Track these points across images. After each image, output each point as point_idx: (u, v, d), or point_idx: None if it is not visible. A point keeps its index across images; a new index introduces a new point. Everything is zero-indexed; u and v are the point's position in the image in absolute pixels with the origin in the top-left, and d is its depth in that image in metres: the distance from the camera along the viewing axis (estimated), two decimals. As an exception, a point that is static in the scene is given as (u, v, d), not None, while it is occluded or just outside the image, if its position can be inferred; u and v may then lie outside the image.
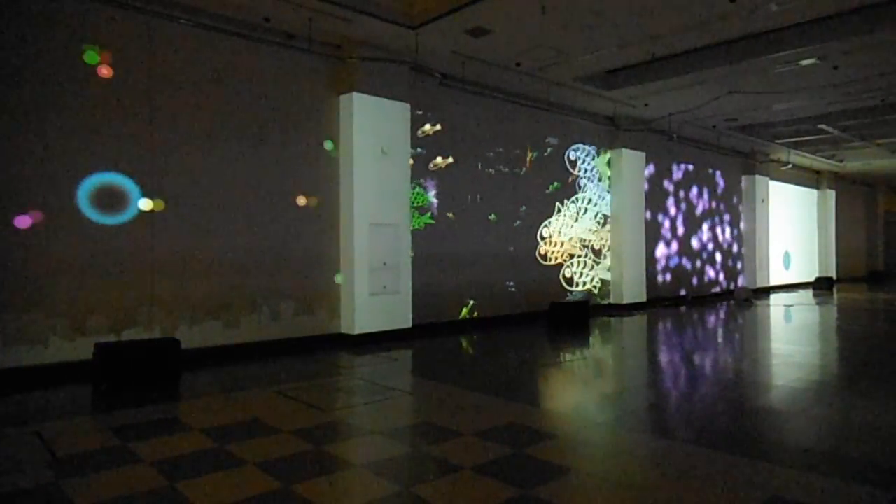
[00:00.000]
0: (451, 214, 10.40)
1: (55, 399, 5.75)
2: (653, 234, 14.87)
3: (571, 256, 12.72)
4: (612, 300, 13.72)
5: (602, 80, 11.28)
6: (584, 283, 13.01)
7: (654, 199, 14.99)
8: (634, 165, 13.94)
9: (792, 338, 9.94)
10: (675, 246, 15.78)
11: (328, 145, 8.72)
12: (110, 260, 6.84)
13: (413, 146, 9.64)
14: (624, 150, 13.63)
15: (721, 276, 17.73)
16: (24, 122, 6.32)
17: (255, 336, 7.97)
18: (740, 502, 3.34)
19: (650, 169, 14.72)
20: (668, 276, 15.55)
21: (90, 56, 6.71)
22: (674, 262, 15.75)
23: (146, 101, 7.11)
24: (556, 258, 12.37)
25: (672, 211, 15.67)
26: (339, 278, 8.78)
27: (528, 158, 11.77)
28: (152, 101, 7.16)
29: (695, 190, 16.55)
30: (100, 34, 6.77)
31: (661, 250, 15.27)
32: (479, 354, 8.54)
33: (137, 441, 4.39)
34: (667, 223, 15.48)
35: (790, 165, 19.85)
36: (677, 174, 15.86)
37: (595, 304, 13.13)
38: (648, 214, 14.64)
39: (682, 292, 16.00)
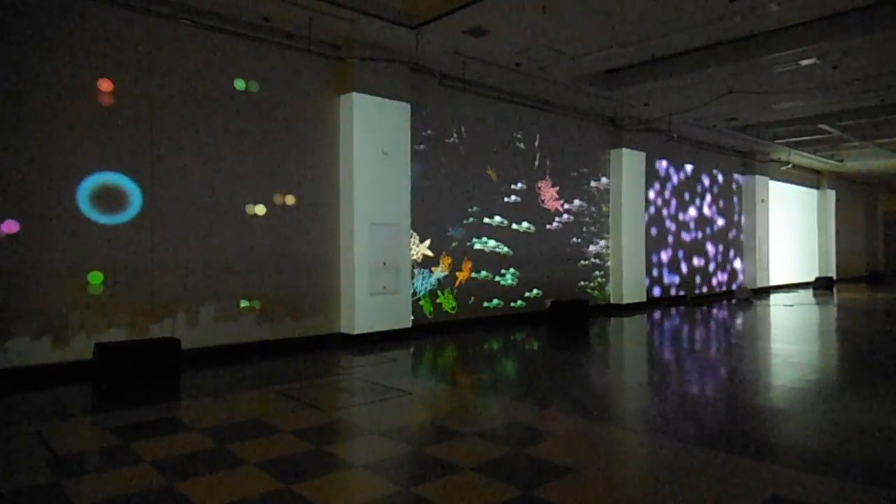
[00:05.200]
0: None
1: (55, 399, 5.75)
2: (652, 234, 14.87)
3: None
4: (612, 300, 13.72)
5: (602, 80, 11.28)
6: None
7: (654, 198, 14.98)
8: (634, 165, 13.93)
9: (792, 338, 9.94)
10: (674, 246, 15.78)
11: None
12: (111, 261, 6.84)
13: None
14: (624, 150, 13.62)
15: (721, 276, 17.73)
16: (22, 125, 6.33)
17: (253, 336, 7.97)
18: (740, 502, 3.34)
19: (650, 168, 14.71)
20: (668, 276, 15.55)
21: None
22: (673, 262, 15.74)
23: (145, 101, 7.11)
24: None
25: (672, 211, 15.67)
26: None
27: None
28: (151, 100, 7.16)
29: (695, 189, 16.55)
30: (98, 35, 6.77)
31: (660, 250, 15.27)
32: (479, 354, 8.53)
33: (137, 441, 4.39)
34: (666, 223, 15.48)
35: (790, 165, 19.86)
36: (677, 174, 15.86)
37: (595, 304, 13.14)
38: (648, 214, 14.63)
39: (682, 292, 15.99)
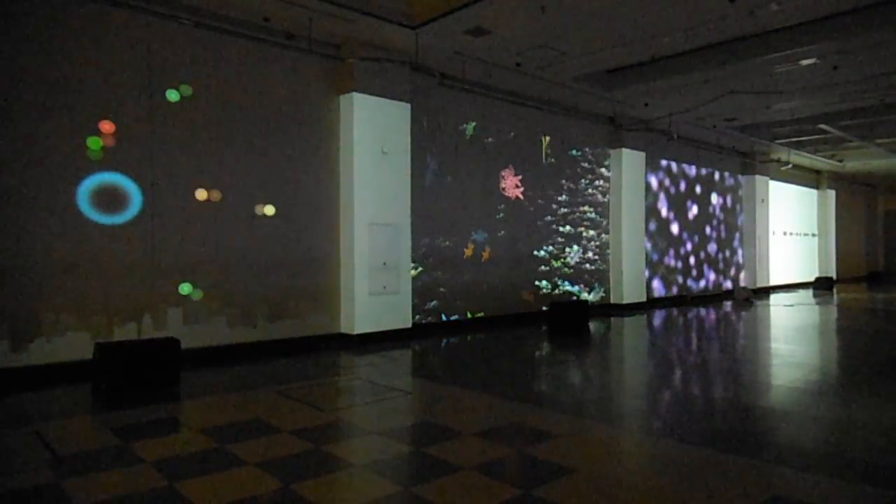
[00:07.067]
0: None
1: (55, 399, 5.75)
2: (653, 234, 14.86)
3: None
4: (612, 300, 13.72)
5: (602, 80, 11.28)
6: None
7: (654, 198, 14.98)
8: (634, 165, 13.93)
9: (792, 338, 9.94)
10: (674, 246, 15.78)
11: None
12: (111, 260, 6.84)
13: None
14: (624, 150, 13.62)
15: (721, 276, 17.73)
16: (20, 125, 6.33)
17: (252, 336, 7.96)
18: (740, 502, 3.34)
19: (650, 169, 14.70)
20: (668, 276, 15.54)
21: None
22: (673, 262, 15.74)
23: (145, 101, 7.11)
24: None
25: (672, 211, 15.67)
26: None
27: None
28: (151, 100, 7.15)
29: (695, 190, 16.55)
30: (98, 35, 6.77)
31: (660, 250, 15.26)
32: (479, 354, 8.53)
33: (137, 441, 4.39)
34: (667, 223, 15.47)
35: (790, 165, 19.86)
36: (677, 174, 15.85)
37: (595, 304, 13.12)
38: (648, 214, 14.62)
39: (682, 292, 15.99)
